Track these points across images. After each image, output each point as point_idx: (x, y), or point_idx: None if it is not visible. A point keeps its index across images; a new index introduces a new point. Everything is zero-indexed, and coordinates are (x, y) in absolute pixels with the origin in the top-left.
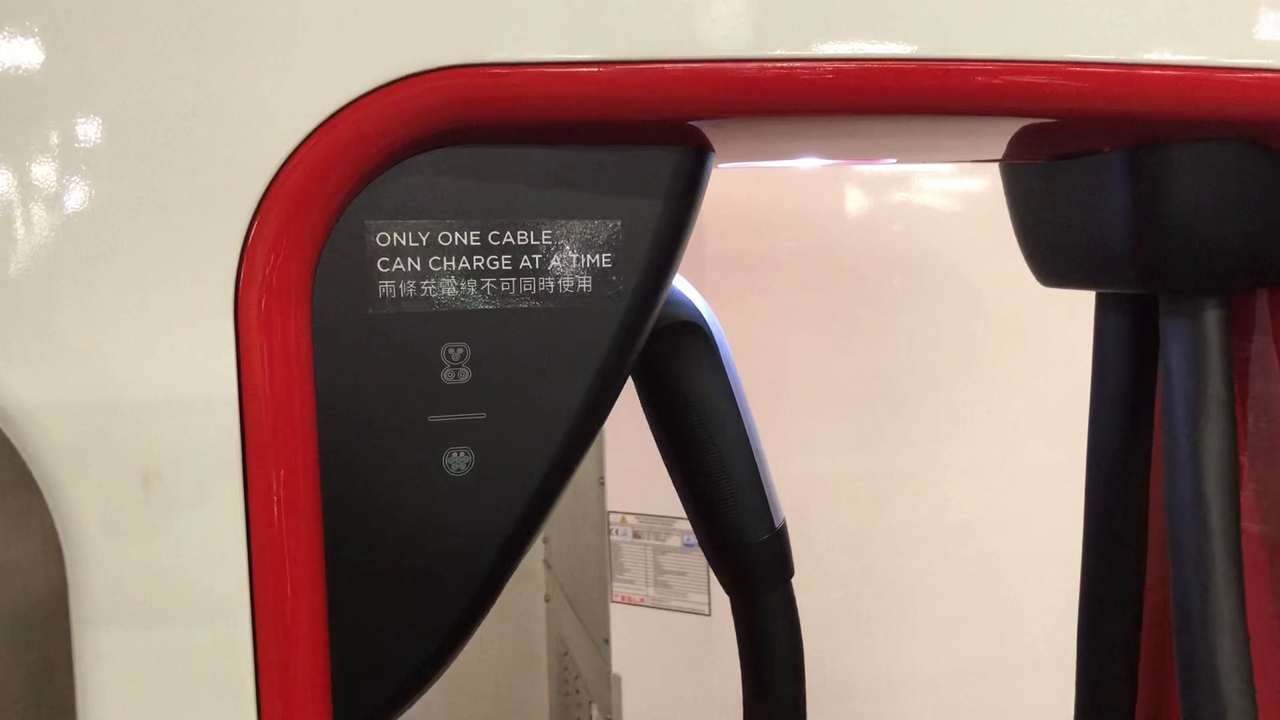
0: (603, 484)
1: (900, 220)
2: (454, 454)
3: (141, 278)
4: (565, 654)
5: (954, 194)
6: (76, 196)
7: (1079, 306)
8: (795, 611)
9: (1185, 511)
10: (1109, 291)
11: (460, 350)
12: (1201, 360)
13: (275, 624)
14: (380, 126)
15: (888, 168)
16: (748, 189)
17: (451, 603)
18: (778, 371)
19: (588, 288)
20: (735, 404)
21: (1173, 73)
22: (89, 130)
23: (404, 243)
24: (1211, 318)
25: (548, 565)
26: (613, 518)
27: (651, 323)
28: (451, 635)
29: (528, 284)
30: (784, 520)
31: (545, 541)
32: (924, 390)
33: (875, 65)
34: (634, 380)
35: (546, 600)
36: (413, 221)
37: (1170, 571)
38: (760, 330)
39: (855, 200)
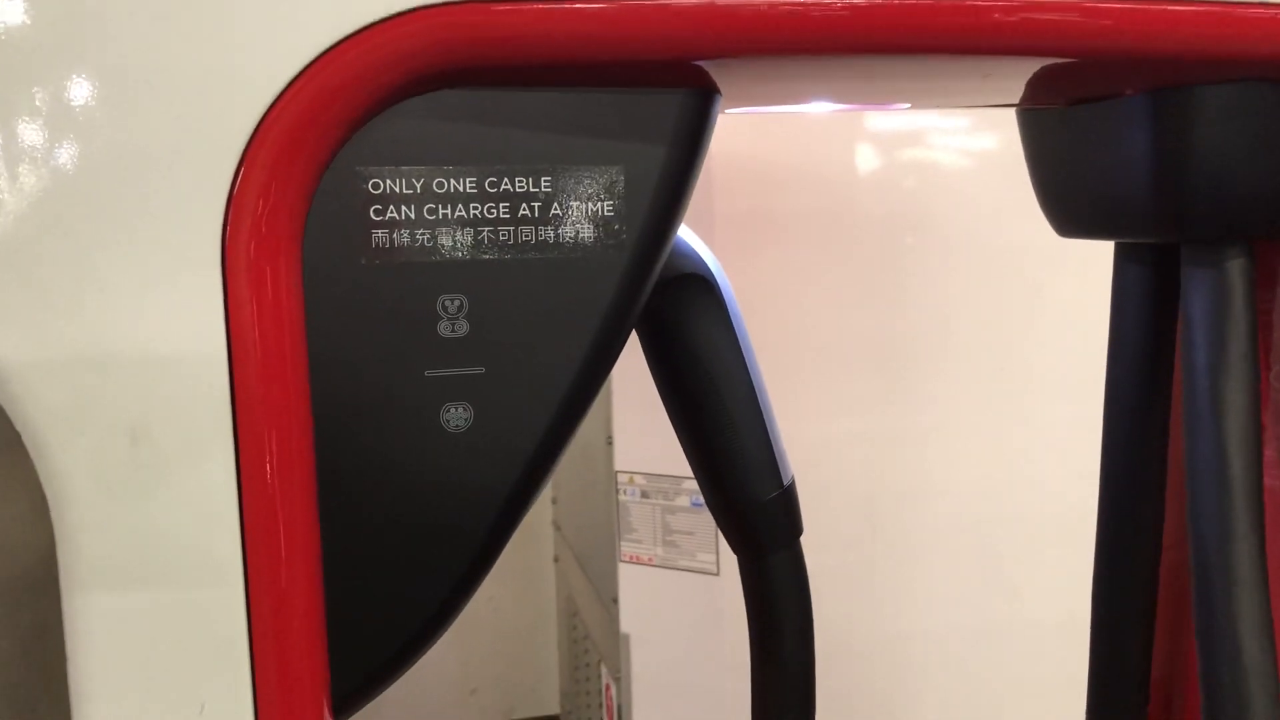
0: (611, 444)
1: (913, 177)
2: (452, 409)
3: (126, 230)
4: (574, 614)
5: (968, 151)
6: (58, 148)
7: (1093, 265)
8: (804, 571)
9: (1205, 466)
10: (1128, 241)
11: (457, 302)
12: (1223, 311)
13: (269, 583)
14: (373, 67)
15: (900, 122)
16: (757, 146)
17: (451, 562)
18: (788, 331)
19: (589, 237)
20: (742, 358)
21: (1196, 8)
22: (68, 79)
23: (398, 190)
24: (1234, 268)
25: (556, 526)
26: (621, 478)
27: (656, 273)
28: (452, 594)
29: (527, 233)
30: (793, 477)
31: (554, 503)
32: (936, 349)
33: (890, 1)
34: (638, 334)
35: (556, 561)
36: (407, 168)
37: (1189, 527)
38: (770, 290)
39: (867, 157)
